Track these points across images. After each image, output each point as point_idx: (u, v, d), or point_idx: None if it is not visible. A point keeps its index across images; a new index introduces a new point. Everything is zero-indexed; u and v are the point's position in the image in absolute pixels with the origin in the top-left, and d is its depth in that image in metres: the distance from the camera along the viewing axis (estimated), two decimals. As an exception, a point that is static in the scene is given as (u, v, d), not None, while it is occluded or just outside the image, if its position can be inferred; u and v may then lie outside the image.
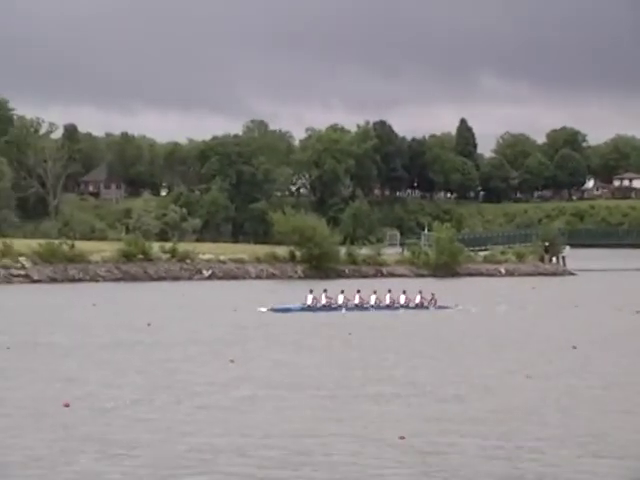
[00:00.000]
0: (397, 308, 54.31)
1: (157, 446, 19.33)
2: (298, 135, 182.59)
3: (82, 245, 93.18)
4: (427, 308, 54.68)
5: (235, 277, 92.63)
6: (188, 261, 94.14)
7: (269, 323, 46.91)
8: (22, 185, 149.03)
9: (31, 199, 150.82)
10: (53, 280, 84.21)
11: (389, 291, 55.81)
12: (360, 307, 53.86)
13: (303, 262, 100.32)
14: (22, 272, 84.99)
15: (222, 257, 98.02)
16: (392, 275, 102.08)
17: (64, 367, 30.77)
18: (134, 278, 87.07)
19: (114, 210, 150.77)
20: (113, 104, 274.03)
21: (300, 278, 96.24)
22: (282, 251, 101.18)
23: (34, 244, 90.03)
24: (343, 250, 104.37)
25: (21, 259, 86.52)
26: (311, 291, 54.07)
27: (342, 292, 54.59)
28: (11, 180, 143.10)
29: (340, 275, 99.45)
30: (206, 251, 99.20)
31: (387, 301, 55.05)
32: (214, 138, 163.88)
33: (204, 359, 33.02)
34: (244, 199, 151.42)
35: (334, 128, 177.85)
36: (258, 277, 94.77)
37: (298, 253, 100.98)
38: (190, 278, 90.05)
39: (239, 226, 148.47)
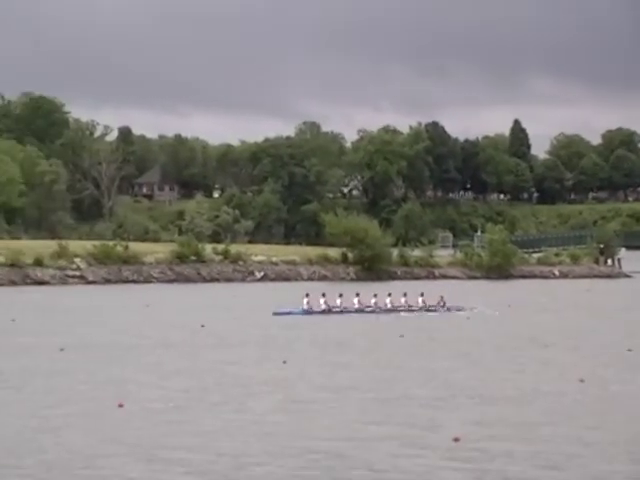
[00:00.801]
0: (399, 311, 52.84)
1: (206, 447, 19.40)
2: (349, 137, 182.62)
3: (136, 246, 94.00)
4: (435, 311, 53.21)
5: (287, 279, 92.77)
6: (240, 263, 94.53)
7: (317, 324, 46.95)
8: (77, 187, 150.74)
9: (86, 201, 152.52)
10: (107, 281, 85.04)
11: (389, 295, 54.25)
12: (360, 311, 52.45)
13: (355, 264, 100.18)
14: (77, 273, 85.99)
15: (274, 259, 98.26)
16: (444, 277, 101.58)
17: (118, 368, 31.03)
18: (187, 279, 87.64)
19: (167, 212, 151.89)
20: (165, 106, 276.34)
21: (352, 280, 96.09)
22: (334, 253, 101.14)
23: (89, 245, 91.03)
24: (395, 252, 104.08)
25: (76, 260, 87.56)
26: (307, 295, 52.68)
27: (340, 296, 53.41)
28: (66, 182, 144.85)
29: (392, 277, 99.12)
30: (258, 253, 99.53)
31: (388, 304, 53.54)
32: (266, 140, 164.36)
33: (257, 360, 33.09)
34: (296, 201, 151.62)
35: (386, 130, 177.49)
36: (310, 279, 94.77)
37: (350, 255, 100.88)
38: (242, 280, 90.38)
39: (291, 228, 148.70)
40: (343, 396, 25.67)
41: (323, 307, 52.39)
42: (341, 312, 52.19)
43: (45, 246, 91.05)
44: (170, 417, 22.52)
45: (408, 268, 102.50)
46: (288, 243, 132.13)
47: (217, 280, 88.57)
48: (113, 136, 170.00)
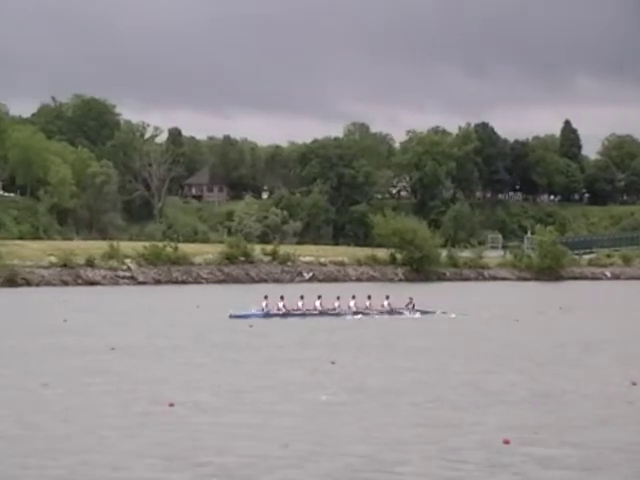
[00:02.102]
0: (367, 314, 51.73)
1: (247, 449, 19.47)
2: (398, 138, 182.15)
3: (185, 247, 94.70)
4: (401, 313, 52.07)
5: (335, 279, 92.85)
6: (289, 263, 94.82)
7: (359, 325, 46.93)
8: (128, 188, 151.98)
9: (136, 202, 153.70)
10: (157, 282, 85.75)
11: (353, 297, 53.19)
12: (323, 313, 51.31)
13: (404, 265, 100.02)
14: (127, 274, 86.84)
15: (322, 259, 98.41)
16: (494, 278, 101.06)
17: (169, 368, 31.26)
18: (236, 280, 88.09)
19: (216, 213, 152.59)
20: (211, 108, 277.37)
21: (401, 281, 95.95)
22: (382, 254, 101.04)
23: (139, 246, 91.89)
24: (444, 253, 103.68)
25: (127, 261, 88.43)
26: (266, 297, 51.49)
27: (301, 298, 52.10)
28: (117, 183, 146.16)
29: (441, 278, 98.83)
30: (307, 253, 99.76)
31: (353, 307, 52.42)
32: (315, 141, 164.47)
33: (305, 361, 33.14)
34: (345, 202, 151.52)
35: (435, 130, 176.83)
36: (358, 280, 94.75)
37: (399, 256, 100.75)
38: (291, 280, 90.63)
39: (339, 228, 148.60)
40: (391, 398, 25.61)
41: (282, 310, 51.00)
42: (302, 315, 50.76)
43: (96, 247, 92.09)
44: (211, 418, 22.62)
45: (457, 269, 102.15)
46: (336, 244, 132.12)
47: (265, 281, 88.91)
48: (163, 137, 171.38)
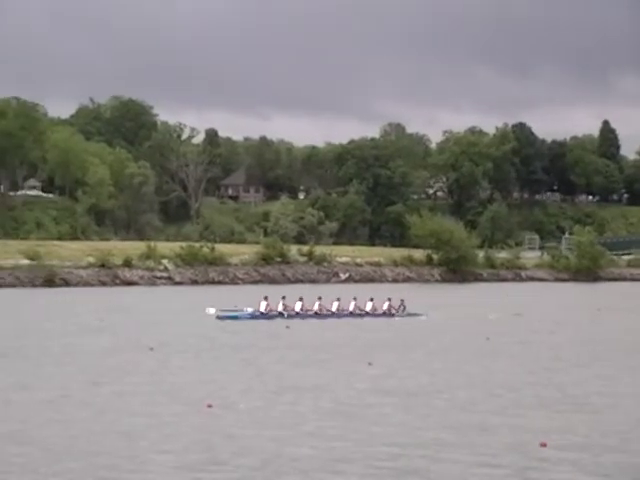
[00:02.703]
0: (362, 315, 51.13)
1: (278, 450, 19.46)
2: (434, 138, 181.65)
3: (222, 248, 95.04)
4: (392, 316, 51.53)
5: (372, 280, 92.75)
6: (325, 264, 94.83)
7: (400, 326, 46.78)
8: (165, 189, 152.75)
9: (173, 203, 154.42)
10: (194, 282, 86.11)
11: (354, 299, 52.34)
12: (321, 315, 50.65)
13: (440, 265, 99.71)
14: (165, 274, 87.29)
15: (359, 260, 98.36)
16: (531, 279, 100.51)
17: (207, 368, 31.34)
18: (272, 281, 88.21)
19: (253, 213, 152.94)
20: (246, 109, 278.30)
21: (437, 282, 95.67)
22: (419, 254, 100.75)
23: (176, 247, 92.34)
24: (481, 254, 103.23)
25: (164, 262, 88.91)
26: (266, 298, 50.63)
27: (300, 299, 51.34)
28: (154, 184, 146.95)
29: (478, 279, 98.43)
30: (343, 254, 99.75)
31: (351, 308, 51.78)
32: (351, 141, 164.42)
33: (342, 362, 33.08)
34: (381, 202, 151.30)
35: (472, 131, 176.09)
36: (395, 280, 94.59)
37: (435, 256, 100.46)
38: (327, 281, 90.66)
39: (376, 229, 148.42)
40: (430, 400, 25.50)
41: (280, 310, 50.28)
42: (300, 315, 50.06)
43: (134, 247, 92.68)
44: (248, 419, 22.65)
45: (494, 270, 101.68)
46: (373, 244, 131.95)
47: (301, 281, 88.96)
48: (199, 138, 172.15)
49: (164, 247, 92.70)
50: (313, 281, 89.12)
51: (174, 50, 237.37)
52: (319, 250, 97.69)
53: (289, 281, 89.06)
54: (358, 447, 19.58)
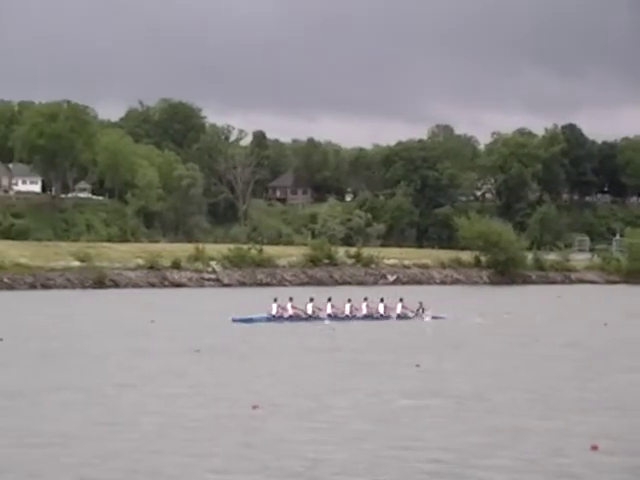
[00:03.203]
0: (377, 318, 50.06)
1: (320, 453, 19.43)
2: (482, 139, 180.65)
3: (269, 250, 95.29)
4: (408, 318, 50.47)
5: (419, 282, 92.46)
6: (373, 266, 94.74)
7: (448, 329, 46.55)
8: (213, 191, 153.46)
9: (221, 205, 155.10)
10: (242, 284, 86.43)
11: (365, 299, 51.41)
12: (334, 317, 49.76)
13: (488, 268, 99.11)
14: (213, 276, 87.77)
15: (406, 262, 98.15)
16: (581, 281, 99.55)
17: (254, 370, 31.42)
18: (319, 283, 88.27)
19: (300, 215, 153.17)
20: (293, 111, 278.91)
21: (485, 284, 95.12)
22: (467, 256, 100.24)
23: (224, 249, 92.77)
24: (530, 256, 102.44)
25: (212, 263, 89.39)
26: (275, 300, 50.13)
27: (311, 300, 50.70)
28: (202, 186, 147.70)
29: (526, 281, 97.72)
30: (390, 256, 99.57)
31: (364, 310, 50.68)
32: (399, 143, 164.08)
33: (390, 363, 32.99)
34: (428, 204, 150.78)
35: (521, 132, 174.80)
36: (442, 282, 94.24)
37: (483, 258, 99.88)
38: (375, 283, 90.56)
39: (423, 231, 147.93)
40: (472, 402, 25.34)
41: (290, 313, 49.62)
42: (312, 318, 49.38)
43: (182, 249, 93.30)
44: (293, 422, 22.64)
45: (543, 272, 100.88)
46: (420, 246, 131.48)
47: (349, 283, 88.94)
48: (247, 140, 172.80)
49: (212, 249, 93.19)
50: (361, 283, 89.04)
51: (221, 52, 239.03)
52: (366, 252, 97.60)
53: (337, 283, 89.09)
54: (401, 451, 19.50)
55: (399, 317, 50.78)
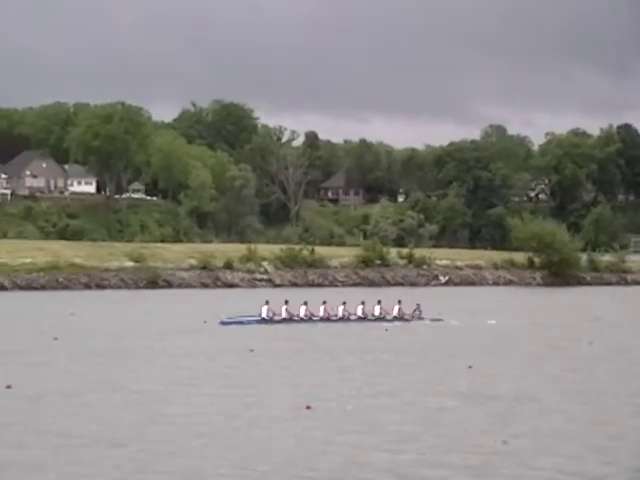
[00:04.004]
0: (371, 320, 48.71)
1: (368, 453, 19.38)
2: (535, 140, 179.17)
3: (321, 250, 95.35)
4: (408, 320, 49.11)
5: (472, 283, 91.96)
6: (425, 267, 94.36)
7: (498, 330, 46.22)
8: (265, 192, 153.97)
9: (273, 205, 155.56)
10: (294, 284, 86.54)
11: (362, 303, 49.91)
12: (327, 320, 48.47)
13: (542, 269, 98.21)
14: (265, 276, 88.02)
15: (459, 263, 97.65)
16: (637, 283, 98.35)
17: (308, 370, 31.45)
18: (371, 283, 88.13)
19: (352, 216, 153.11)
20: (345, 111, 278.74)
21: (539, 285, 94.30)
22: (520, 257, 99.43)
23: (276, 249, 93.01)
24: (584, 257, 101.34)
25: (264, 264, 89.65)
26: (267, 302, 48.67)
27: (305, 303, 49.22)
28: (255, 187, 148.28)
29: (580, 282, 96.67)
30: (443, 257, 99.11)
31: (359, 313, 49.42)
32: (451, 144, 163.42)
33: (441, 364, 32.84)
34: (481, 205, 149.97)
35: (575, 132, 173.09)
36: (495, 284, 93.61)
37: (537, 259, 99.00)
38: (427, 284, 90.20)
39: (476, 232, 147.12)
40: (527, 405, 25.12)
41: (284, 316, 48.40)
42: (305, 321, 48.08)
43: (234, 250, 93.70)
44: (344, 422, 22.61)
45: (598, 273, 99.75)
46: (473, 247, 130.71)
47: (401, 284, 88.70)
48: (299, 141, 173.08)
49: (264, 249, 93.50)
50: (413, 284, 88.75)
51: (272, 53, 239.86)
52: (419, 253, 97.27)
53: (388, 284, 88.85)
54: (443, 454, 19.39)
55: (396, 319, 49.34)
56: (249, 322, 47.41)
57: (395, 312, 49.90)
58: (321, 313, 48.97)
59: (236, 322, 47.17)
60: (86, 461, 18.54)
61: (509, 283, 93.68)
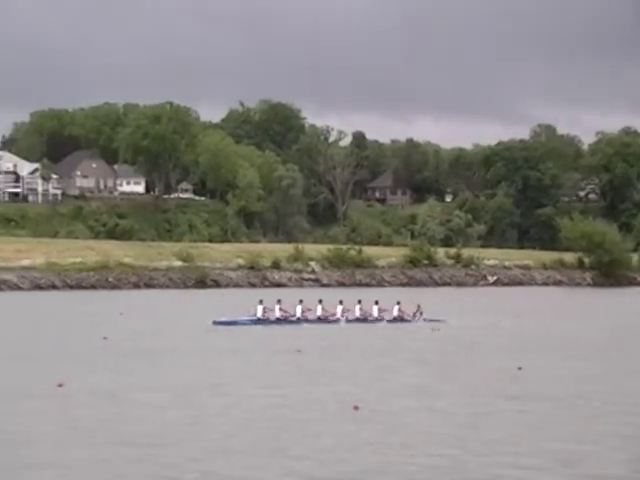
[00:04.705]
0: (372, 321, 47.78)
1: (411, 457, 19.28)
2: (585, 139, 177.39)
3: (369, 250, 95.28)
4: (408, 321, 48.09)
5: (520, 283, 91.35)
6: (473, 267, 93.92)
7: (551, 331, 45.81)
8: (312, 192, 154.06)
9: (321, 205, 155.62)
10: (341, 284, 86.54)
11: (359, 302, 48.94)
12: (324, 320, 47.45)
13: (592, 269, 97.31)
14: (312, 276, 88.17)
15: (507, 263, 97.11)
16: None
17: (356, 370, 31.40)
18: (419, 283, 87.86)
19: (400, 216, 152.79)
20: (392, 111, 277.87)
21: (589, 285, 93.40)
22: (570, 258, 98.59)
23: (323, 249, 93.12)
24: (635, 257, 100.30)
25: (311, 263, 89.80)
26: (261, 302, 47.59)
27: (300, 302, 48.11)
28: (302, 187, 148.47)
29: (632, 283, 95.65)
30: (491, 257, 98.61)
31: (357, 313, 48.32)
32: (499, 143, 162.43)
33: (489, 365, 32.61)
34: (530, 205, 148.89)
35: (626, 131, 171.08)
36: (544, 284, 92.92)
37: (586, 260, 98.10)
38: (475, 284, 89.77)
39: (525, 232, 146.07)
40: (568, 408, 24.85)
41: (278, 315, 47.26)
42: (301, 321, 47.12)
43: (282, 249, 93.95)
44: (391, 424, 22.53)
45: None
46: (522, 247, 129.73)
47: (449, 284, 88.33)
48: (346, 141, 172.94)
49: (311, 249, 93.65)
50: (461, 284, 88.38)
51: (318, 53, 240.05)
52: (467, 253, 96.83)
53: (436, 284, 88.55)
54: (484, 457, 19.23)
55: (395, 320, 48.47)
56: (243, 322, 46.35)
57: (395, 313, 48.94)
58: (318, 312, 47.85)
59: (229, 323, 46.14)
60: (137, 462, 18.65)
61: (558, 283, 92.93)
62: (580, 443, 20.31)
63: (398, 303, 49.34)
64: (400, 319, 48.59)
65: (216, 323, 45.94)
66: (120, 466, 18.10)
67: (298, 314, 47.68)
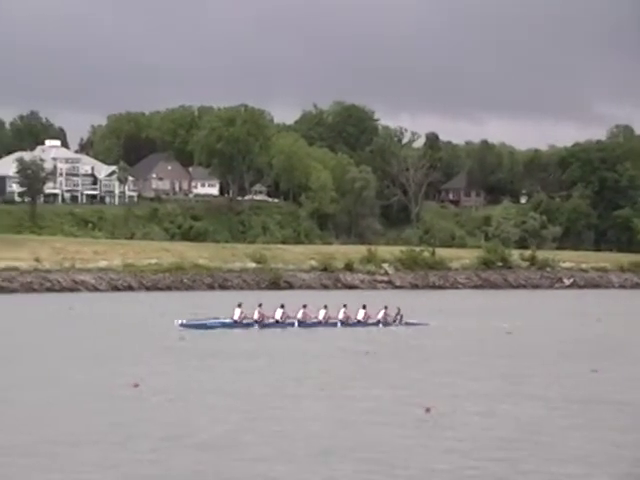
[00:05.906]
0: (353, 325, 46.42)
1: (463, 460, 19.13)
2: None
3: (442, 252, 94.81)
4: (389, 325, 46.91)
5: (597, 286, 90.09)
6: (548, 269, 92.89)
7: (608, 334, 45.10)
8: (385, 193, 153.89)
9: (394, 207, 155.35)
10: (414, 286, 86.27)
11: (344, 306, 47.47)
12: (304, 324, 45.85)
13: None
14: (385, 278, 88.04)
15: (583, 265, 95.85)
16: None
17: (426, 372, 31.30)
18: (493, 286, 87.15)
19: (473, 217, 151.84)
20: (462, 112, 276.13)
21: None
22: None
23: (396, 251, 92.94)
24: None
25: (384, 265, 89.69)
26: (239, 305, 45.67)
27: (282, 306, 46.37)
28: (375, 188, 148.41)
29: None
30: (566, 259, 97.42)
31: (340, 316, 46.86)
32: (576, 144, 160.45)
33: (565, 369, 32.26)
34: (607, 206, 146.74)
35: None
36: (622, 287, 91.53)
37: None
38: (550, 286, 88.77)
39: (601, 234, 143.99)
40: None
41: (256, 318, 45.34)
42: (281, 325, 45.46)
43: (355, 251, 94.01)
44: (461, 427, 22.40)
45: None
46: (598, 249, 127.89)
47: (523, 286, 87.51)
48: (419, 142, 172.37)
49: (384, 251, 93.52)
50: (536, 286, 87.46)
51: (390, 54, 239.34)
52: (542, 255, 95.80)
53: (511, 286, 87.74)
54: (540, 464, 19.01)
55: (379, 323, 47.43)
56: (213, 325, 44.51)
57: (380, 316, 47.88)
58: (299, 316, 46.47)
59: (198, 326, 44.00)
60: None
61: (636, 286, 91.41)
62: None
63: (385, 308, 48.41)
64: (385, 323, 47.60)
65: (183, 326, 43.75)
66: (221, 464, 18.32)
67: (278, 317, 45.93)
